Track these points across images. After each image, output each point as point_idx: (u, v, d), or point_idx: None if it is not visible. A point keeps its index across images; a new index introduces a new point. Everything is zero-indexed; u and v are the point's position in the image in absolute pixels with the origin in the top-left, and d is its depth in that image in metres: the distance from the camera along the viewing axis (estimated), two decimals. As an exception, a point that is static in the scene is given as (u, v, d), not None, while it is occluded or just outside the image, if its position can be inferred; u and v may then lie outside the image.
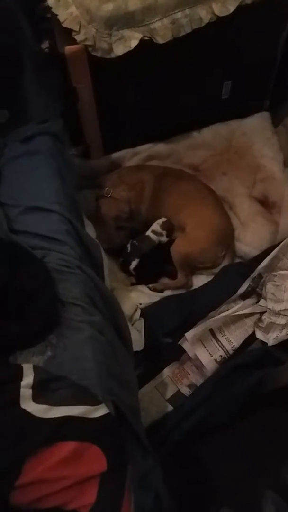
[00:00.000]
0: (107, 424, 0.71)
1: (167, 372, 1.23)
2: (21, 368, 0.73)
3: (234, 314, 1.23)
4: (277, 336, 1.18)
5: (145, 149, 1.63)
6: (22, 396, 0.69)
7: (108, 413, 0.72)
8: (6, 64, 1.09)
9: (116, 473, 0.68)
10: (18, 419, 0.66)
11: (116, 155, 1.62)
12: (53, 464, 0.64)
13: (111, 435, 0.71)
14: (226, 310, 1.25)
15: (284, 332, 1.18)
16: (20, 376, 0.71)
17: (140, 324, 1.27)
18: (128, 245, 1.44)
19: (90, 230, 1.22)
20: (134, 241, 1.44)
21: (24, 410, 0.67)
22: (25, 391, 0.69)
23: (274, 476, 1.09)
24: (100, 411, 0.71)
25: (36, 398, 0.69)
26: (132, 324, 1.27)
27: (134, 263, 1.41)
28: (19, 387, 0.70)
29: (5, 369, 0.73)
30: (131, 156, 1.63)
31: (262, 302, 1.25)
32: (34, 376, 0.72)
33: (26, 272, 0.86)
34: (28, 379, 0.71)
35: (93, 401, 0.72)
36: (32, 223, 0.98)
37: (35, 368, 0.74)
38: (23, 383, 0.70)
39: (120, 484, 0.68)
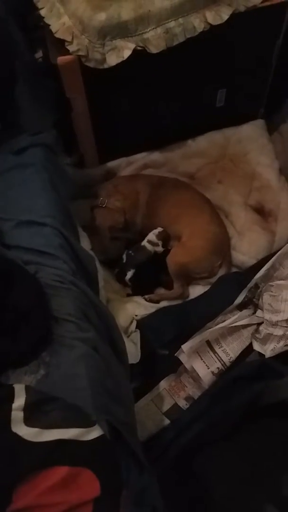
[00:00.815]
0: (100, 446, 0.69)
1: (163, 384, 1.21)
2: (13, 389, 0.72)
3: (231, 325, 1.21)
4: (274, 347, 1.17)
5: (140, 158, 1.62)
6: (13, 419, 0.67)
7: (101, 435, 0.70)
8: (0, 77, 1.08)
9: (110, 498, 0.66)
10: (9, 443, 0.65)
11: (111, 164, 1.61)
12: (45, 490, 0.63)
13: (105, 459, 0.70)
14: (223, 321, 1.24)
15: (281, 343, 1.17)
16: (11, 398, 0.70)
17: (136, 336, 1.26)
18: (124, 256, 1.42)
19: (85, 241, 1.21)
20: (130, 252, 1.43)
21: (15, 434, 0.66)
22: (17, 414, 0.68)
23: (274, 489, 1.08)
24: (94, 433, 0.70)
25: (28, 421, 0.67)
26: (128, 336, 1.26)
27: (129, 274, 1.40)
28: (10, 409, 0.68)
29: (-4, 390, 0.71)
30: (126, 165, 1.62)
31: (259, 312, 1.24)
32: (26, 398, 0.70)
33: (19, 289, 0.84)
34: (19, 400, 0.70)
35: (86, 423, 0.70)
36: (25, 237, 0.96)
37: (27, 389, 0.72)
38: (14, 405, 0.69)
39: (114, 509, 0.66)
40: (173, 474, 1.09)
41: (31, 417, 0.68)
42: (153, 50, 1.21)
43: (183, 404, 1.19)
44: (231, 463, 1.11)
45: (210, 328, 1.22)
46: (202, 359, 1.20)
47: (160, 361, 1.24)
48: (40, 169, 1.06)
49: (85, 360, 0.80)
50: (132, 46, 1.19)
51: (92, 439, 0.69)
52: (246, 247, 1.42)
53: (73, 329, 0.85)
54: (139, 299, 1.38)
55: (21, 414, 0.68)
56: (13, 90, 1.16)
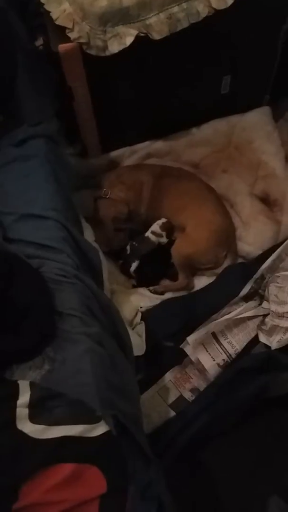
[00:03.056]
0: (106, 443, 0.69)
1: (169, 376, 1.21)
2: (17, 385, 0.71)
3: (236, 317, 1.20)
4: (280, 339, 1.16)
5: (144, 147, 1.59)
6: (18, 416, 0.67)
7: (107, 431, 0.70)
8: (1, 66, 1.06)
9: (116, 495, 0.66)
10: (15, 441, 0.64)
11: (114, 153, 1.58)
12: (51, 487, 0.63)
13: (111, 455, 0.69)
14: (229, 313, 1.23)
15: (287, 335, 1.16)
16: (16, 394, 0.69)
17: (141, 328, 1.25)
18: (128, 247, 1.41)
19: (88, 232, 1.20)
20: (134, 243, 1.42)
21: (21, 431, 0.65)
22: (22, 411, 0.67)
23: (279, 480, 1.08)
24: (99, 429, 0.69)
25: (33, 418, 0.67)
26: (133, 328, 1.26)
27: (134, 265, 1.38)
28: (15, 406, 0.68)
29: (1, 387, 0.71)
30: (129, 154, 1.59)
31: (265, 304, 1.23)
32: (30, 394, 0.70)
33: (22, 283, 0.84)
34: (24, 397, 0.69)
35: (92, 419, 0.70)
36: (28, 231, 0.95)
37: (32, 385, 0.71)
38: (19, 402, 0.68)
39: (120, 506, 0.66)
40: (179, 466, 1.09)
41: (36, 414, 0.68)
42: (156, 36, 1.18)
43: (188, 396, 1.19)
44: (237, 454, 1.12)
45: (215, 320, 1.21)
46: (207, 351, 1.20)
47: (165, 353, 1.24)
48: (42, 161, 1.05)
49: (89, 355, 0.80)
50: (134, 32, 1.17)
51: (97, 436, 0.69)
52: (252, 238, 1.41)
53: (77, 323, 0.84)
54: (143, 290, 1.37)
55: (26, 411, 0.68)
56: (15, 81, 1.14)
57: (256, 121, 1.61)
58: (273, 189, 1.49)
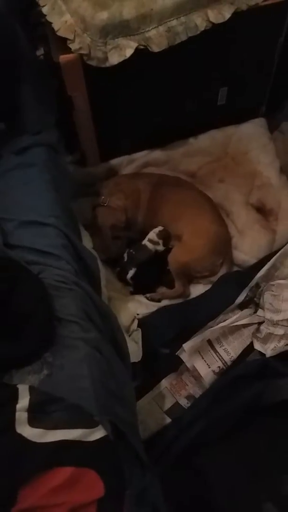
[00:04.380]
0: (104, 447, 0.70)
1: (165, 383, 1.22)
2: (17, 389, 0.72)
3: (232, 324, 1.22)
4: (275, 346, 1.17)
5: (142, 156, 1.61)
6: (17, 419, 0.68)
7: (105, 436, 0.71)
8: (2, 75, 1.07)
9: (113, 499, 0.67)
10: (14, 444, 0.65)
11: (112, 162, 1.60)
12: (49, 490, 0.63)
13: (109, 459, 0.70)
14: (224, 320, 1.24)
15: (282, 342, 1.18)
16: (15, 398, 0.71)
17: (138, 334, 1.26)
18: (125, 254, 1.43)
19: (86, 240, 1.21)
20: (131, 250, 1.43)
21: (20, 435, 0.66)
22: (21, 415, 0.68)
23: (273, 488, 1.09)
24: (97, 433, 0.70)
25: (32, 422, 0.68)
26: (130, 335, 1.27)
27: (131, 272, 1.40)
28: (14, 410, 0.69)
29: (1, 391, 0.72)
30: (127, 163, 1.61)
31: (260, 312, 1.25)
32: (30, 399, 0.71)
33: (22, 289, 0.85)
34: (23, 401, 0.70)
35: (90, 424, 0.71)
36: (28, 237, 0.96)
37: (31, 390, 0.73)
38: (18, 405, 0.70)
39: (118, 510, 0.67)
40: (174, 473, 1.09)
41: (35, 418, 0.69)
42: (155, 48, 1.21)
43: (184, 402, 1.19)
44: (232, 462, 1.12)
45: (211, 327, 1.22)
46: (203, 358, 1.21)
47: (161, 359, 1.25)
48: (42, 169, 1.06)
49: (88, 361, 0.81)
50: (134, 44, 1.19)
51: (95, 440, 0.70)
52: (247, 246, 1.43)
53: (76, 329, 0.85)
54: (140, 297, 1.38)
55: (25, 415, 0.69)
56: (17, 89, 1.16)
57: (252, 132, 1.64)
58: (269, 199, 1.51)
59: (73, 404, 0.72)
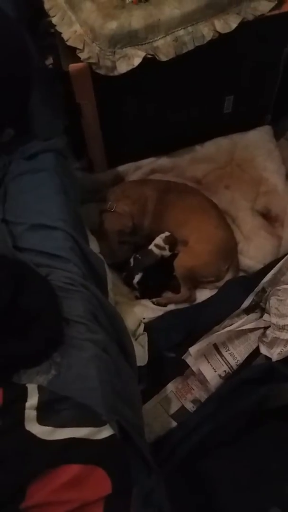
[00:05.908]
0: (112, 445, 0.71)
1: (170, 387, 1.23)
2: (26, 388, 0.73)
3: (238, 329, 1.22)
4: (281, 351, 1.18)
5: (148, 163, 1.63)
6: (26, 417, 0.69)
7: (112, 434, 0.71)
8: (15, 83, 1.10)
9: (121, 496, 0.68)
10: (23, 441, 0.66)
11: (119, 168, 1.62)
12: (57, 487, 0.64)
13: (116, 457, 0.71)
14: (230, 325, 1.25)
15: (288, 347, 1.18)
16: (24, 397, 0.72)
17: (144, 338, 1.27)
18: (131, 259, 1.44)
19: (94, 244, 1.22)
20: (137, 255, 1.44)
21: (29, 432, 0.67)
22: (30, 413, 0.70)
23: (279, 492, 1.09)
24: (105, 432, 0.71)
25: (41, 420, 0.69)
26: (136, 339, 1.27)
27: (137, 277, 1.41)
28: (23, 408, 0.70)
29: (10, 390, 0.73)
30: (134, 170, 1.63)
31: (266, 316, 1.25)
32: (38, 397, 0.72)
33: (31, 290, 0.86)
34: (32, 400, 0.71)
35: (98, 422, 0.72)
36: (37, 240, 0.98)
37: (40, 389, 0.74)
38: (27, 404, 0.71)
39: (125, 508, 0.68)
40: (179, 476, 1.10)
41: (44, 416, 0.70)
42: (163, 58, 1.23)
43: (190, 406, 1.20)
44: (237, 465, 1.12)
45: (217, 332, 1.23)
46: (209, 362, 1.21)
47: (167, 363, 1.25)
48: (51, 174, 1.08)
49: (95, 361, 0.82)
50: (142, 54, 1.21)
51: (103, 438, 0.70)
52: (253, 252, 1.44)
53: (83, 330, 0.86)
54: (146, 302, 1.39)
55: (34, 413, 0.70)
56: (29, 99, 1.18)
57: (257, 140, 1.65)
58: (274, 205, 1.53)
59: (81, 403, 0.73)
